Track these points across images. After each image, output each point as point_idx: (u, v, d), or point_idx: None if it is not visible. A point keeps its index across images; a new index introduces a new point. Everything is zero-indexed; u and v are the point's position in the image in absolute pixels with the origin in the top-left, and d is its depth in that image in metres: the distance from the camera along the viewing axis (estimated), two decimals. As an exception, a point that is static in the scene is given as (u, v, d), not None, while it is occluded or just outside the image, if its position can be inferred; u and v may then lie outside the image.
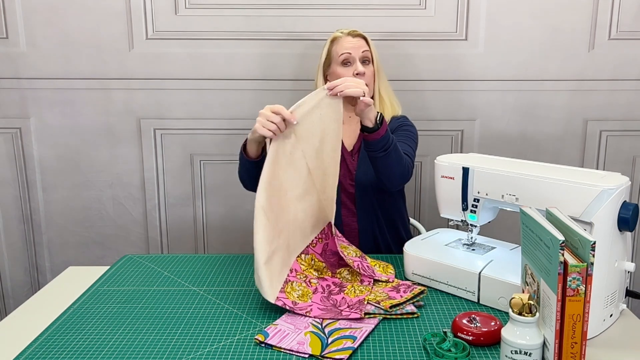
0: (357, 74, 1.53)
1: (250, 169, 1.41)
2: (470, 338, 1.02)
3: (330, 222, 1.35)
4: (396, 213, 1.63)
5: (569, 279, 0.88)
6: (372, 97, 1.61)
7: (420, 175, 2.01)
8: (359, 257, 1.35)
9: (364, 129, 1.35)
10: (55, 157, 2.00)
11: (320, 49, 1.66)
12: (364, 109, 1.31)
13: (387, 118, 1.60)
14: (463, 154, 1.42)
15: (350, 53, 1.54)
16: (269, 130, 1.24)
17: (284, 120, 1.24)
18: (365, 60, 1.57)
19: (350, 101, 1.35)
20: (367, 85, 1.53)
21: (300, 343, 1.02)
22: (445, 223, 1.90)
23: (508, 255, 1.27)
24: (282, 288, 1.20)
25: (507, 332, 0.92)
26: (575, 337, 0.90)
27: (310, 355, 0.99)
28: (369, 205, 1.58)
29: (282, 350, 1.01)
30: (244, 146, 1.41)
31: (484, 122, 1.95)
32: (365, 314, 1.13)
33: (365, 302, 1.16)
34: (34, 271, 2.09)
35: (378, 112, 1.36)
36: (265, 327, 1.09)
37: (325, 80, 1.64)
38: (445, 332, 1.03)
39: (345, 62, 1.55)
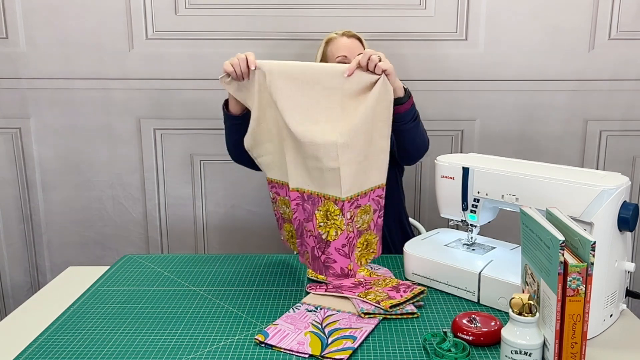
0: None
1: (231, 129, 1.42)
2: (470, 338, 1.02)
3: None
4: (402, 211, 1.64)
5: (569, 279, 0.88)
6: None
7: (420, 175, 2.01)
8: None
9: (395, 101, 1.31)
10: (55, 157, 2.00)
11: (320, 48, 1.67)
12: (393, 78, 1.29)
13: None
14: (463, 154, 1.42)
15: (345, 56, 1.56)
16: (231, 65, 1.27)
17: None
18: None
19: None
20: None
21: (300, 343, 1.02)
22: (445, 223, 1.90)
23: (508, 255, 1.27)
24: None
25: (507, 332, 0.92)
26: (575, 337, 0.90)
27: (310, 355, 0.99)
28: None
29: (282, 350, 1.01)
30: (226, 104, 1.42)
31: (484, 122, 1.95)
32: (365, 314, 1.13)
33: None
34: (34, 271, 2.09)
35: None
36: (265, 327, 1.09)
37: None
38: (445, 332, 1.03)
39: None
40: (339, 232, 1.31)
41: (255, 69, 1.28)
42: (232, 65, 1.28)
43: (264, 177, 1.39)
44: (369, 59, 1.27)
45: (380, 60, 1.27)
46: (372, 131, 1.29)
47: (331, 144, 1.24)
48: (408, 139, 1.39)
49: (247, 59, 1.27)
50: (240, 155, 1.43)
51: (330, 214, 1.31)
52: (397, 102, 1.33)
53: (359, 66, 1.28)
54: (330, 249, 1.32)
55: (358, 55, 1.30)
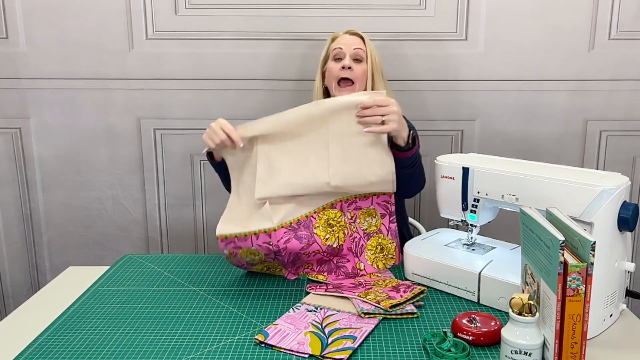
0: (342, 68, 1.55)
1: (225, 173, 1.43)
2: (470, 338, 1.02)
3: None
4: (397, 212, 1.64)
5: (569, 279, 0.88)
6: None
7: (420, 175, 2.01)
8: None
9: (395, 146, 1.36)
10: (55, 157, 2.00)
11: (320, 48, 1.67)
12: (396, 134, 1.34)
13: None
14: (463, 154, 1.42)
15: (341, 48, 1.57)
16: (213, 142, 1.30)
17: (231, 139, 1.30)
18: (357, 58, 1.58)
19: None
20: (355, 82, 1.55)
21: (300, 343, 1.02)
22: (445, 223, 1.90)
23: (508, 255, 1.27)
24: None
25: (507, 332, 0.92)
26: (575, 337, 0.90)
27: (310, 355, 0.99)
28: None
29: (282, 350, 1.01)
30: (210, 154, 1.44)
31: (484, 122, 1.95)
32: (365, 314, 1.13)
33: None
34: (34, 271, 2.09)
35: (411, 130, 1.37)
36: (265, 327, 1.09)
37: (323, 76, 1.66)
38: (445, 332, 1.03)
39: (336, 57, 1.58)
40: (346, 232, 1.33)
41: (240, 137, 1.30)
42: (212, 140, 1.30)
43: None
44: (377, 109, 1.29)
45: (384, 120, 1.29)
46: (363, 156, 1.33)
47: (323, 184, 1.31)
48: (402, 180, 1.40)
49: (228, 135, 1.28)
50: None
51: (332, 220, 1.33)
52: (398, 148, 1.37)
53: (366, 106, 1.30)
54: (344, 251, 1.34)
55: (378, 97, 1.31)
